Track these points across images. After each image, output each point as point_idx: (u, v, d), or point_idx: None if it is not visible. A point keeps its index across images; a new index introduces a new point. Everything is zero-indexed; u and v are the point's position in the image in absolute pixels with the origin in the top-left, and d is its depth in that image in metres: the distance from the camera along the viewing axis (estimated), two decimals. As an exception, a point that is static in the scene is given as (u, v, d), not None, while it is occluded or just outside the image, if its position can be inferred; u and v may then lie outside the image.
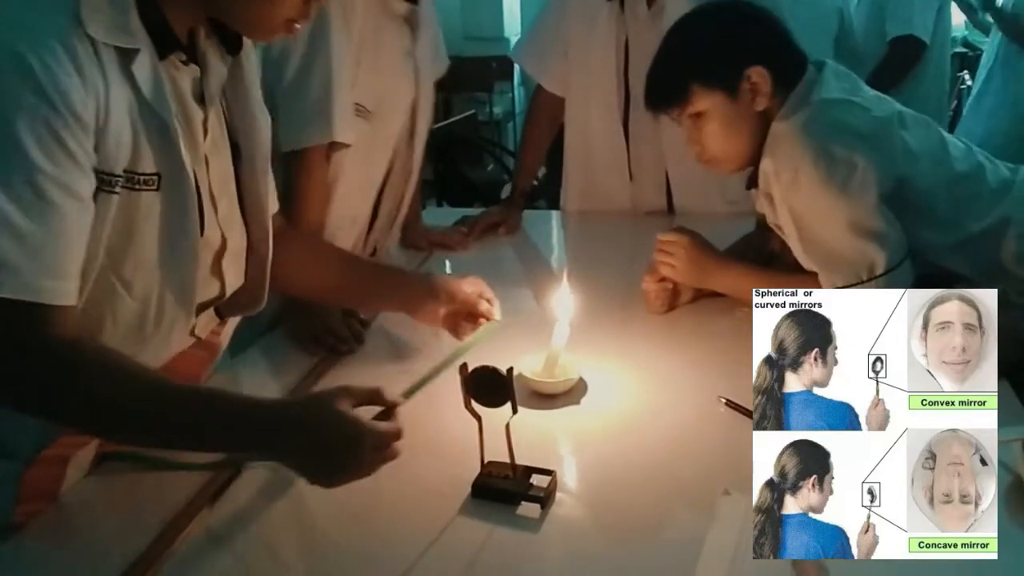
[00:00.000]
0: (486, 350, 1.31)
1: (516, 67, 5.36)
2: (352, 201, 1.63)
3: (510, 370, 0.99)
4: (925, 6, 3.18)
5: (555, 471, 1.04)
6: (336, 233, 1.62)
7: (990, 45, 3.36)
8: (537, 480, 1.03)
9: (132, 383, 0.91)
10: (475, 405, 1.02)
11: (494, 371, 1.00)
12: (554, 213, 2.36)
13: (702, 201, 2.09)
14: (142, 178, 0.95)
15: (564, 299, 1.29)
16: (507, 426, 1.01)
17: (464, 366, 1.01)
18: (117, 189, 0.93)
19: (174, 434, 0.93)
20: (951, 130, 3.57)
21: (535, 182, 2.37)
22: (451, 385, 1.02)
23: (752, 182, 1.43)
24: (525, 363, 1.27)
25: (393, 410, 0.98)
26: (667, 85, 1.40)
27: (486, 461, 1.04)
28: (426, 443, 1.15)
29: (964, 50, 5.13)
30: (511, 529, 0.98)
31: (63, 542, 1.00)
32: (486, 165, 5.04)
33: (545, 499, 1.00)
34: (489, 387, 1.01)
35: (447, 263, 1.75)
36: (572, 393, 1.26)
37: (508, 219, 2.09)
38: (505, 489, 1.02)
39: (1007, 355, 1.00)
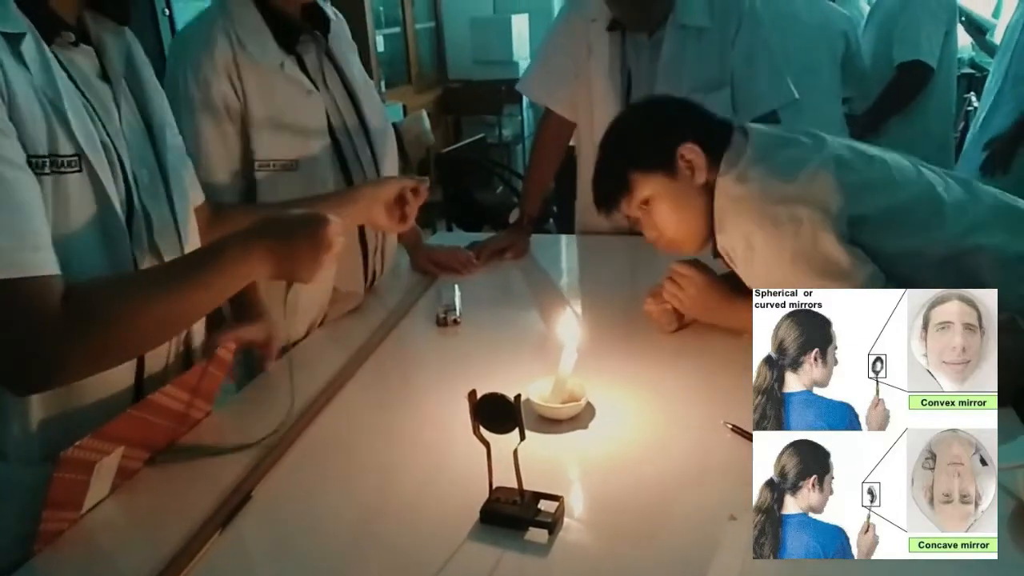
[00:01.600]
0: (495, 374, 1.33)
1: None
2: None
3: (518, 397, 0.99)
4: (932, 31, 3.20)
5: (563, 496, 1.03)
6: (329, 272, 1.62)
7: (996, 66, 3.38)
8: (545, 505, 1.02)
9: (136, 284, 1.00)
10: (484, 431, 1.02)
11: (502, 398, 0.99)
12: (563, 237, 2.37)
13: None
14: (64, 160, 0.97)
15: (570, 326, 1.29)
16: (515, 452, 1.01)
17: (473, 393, 1.02)
18: (46, 170, 0.95)
19: (189, 291, 1.01)
20: (958, 152, 3.59)
21: (551, 206, 2.38)
22: (460, 412, 1.02)
23: (715, 252, 1.46)
24: (533, 388, 1.27)
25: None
26: (610, 180, 1.46)
27: (494, 487, 1.04)
28: (435, 469, 1.16)
29: (971, 71, 5.15)
30: (519, 554, 0.98)
31: (78, 566, 1.00)
32: (495, 188, 5.07)
33: (553, 524, 1.00)
34: (497, 413, 1.00)
35: (456, 287, 1.76)
36: (580, 418, 1.26)
37: (515, 244, 2.10)
38: (513, 515, 1.01)
39: (1016, 380, 1.00)
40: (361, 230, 1.68)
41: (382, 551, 1.01)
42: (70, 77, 1.00)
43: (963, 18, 3.70)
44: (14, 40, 0.93)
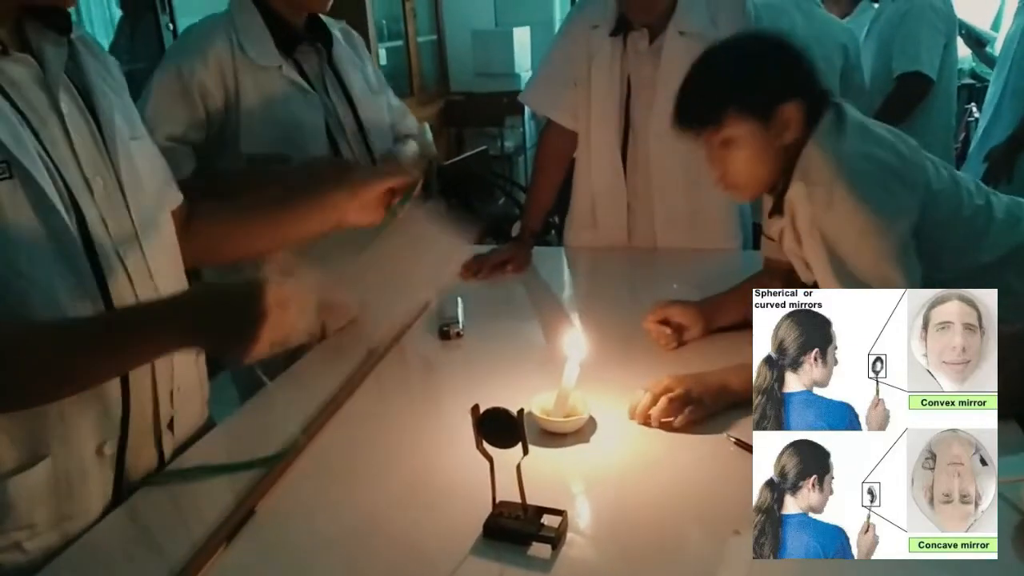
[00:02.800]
0: (497, 387, 1.33)
1: (527, 103, 5.41)
2: None
3: (520, 411, 0.99)
4: (932, 43, 3.20)
5: (566, 511, 1.03)
6: None
7: (996, 78, 3.39)
8: (548, 520, 1.02)
9: (47, 337, 0.96)
10: (487, 446, 1.02)
11: (505, 412, 0.99)
12: (564, 249, 2.37)
13: (685, 237, 2.11)
14: None
15: (576, 341, 1.29)
16: (518, 466, 1.01)
17: (476, 407, 1.01)
18: None
19: (98, 355, 0.98)
20: (960, 163, 3.60)
21: (553, 219, 2.38)
22: (463, 427, 1.02)
23: (776, 209, 1.45)
24: (536, 402, 1.27)
25: None
26: (703, 106, 1.40)
27: (498, 501, 1.04)
28: (438, 483, 1.15)
29: (971, 82, 5.16)
30: (522, 569, 0.97)
31: None
32: (497, 200, 5.08)
33: (556, 539, 1.00)
34: (500, 428, 1.00)
35: (459, 300, 1.76)
36: (583, 432, 1.25)
37: (517, 257, 2.10)
38: (516, 529, 1.01)
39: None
40: None
41: (385, 565, 1.01)
42: None
43: (963, 31, 3.71)
44: None
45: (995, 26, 5.11)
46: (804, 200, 1.33)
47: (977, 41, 3.73)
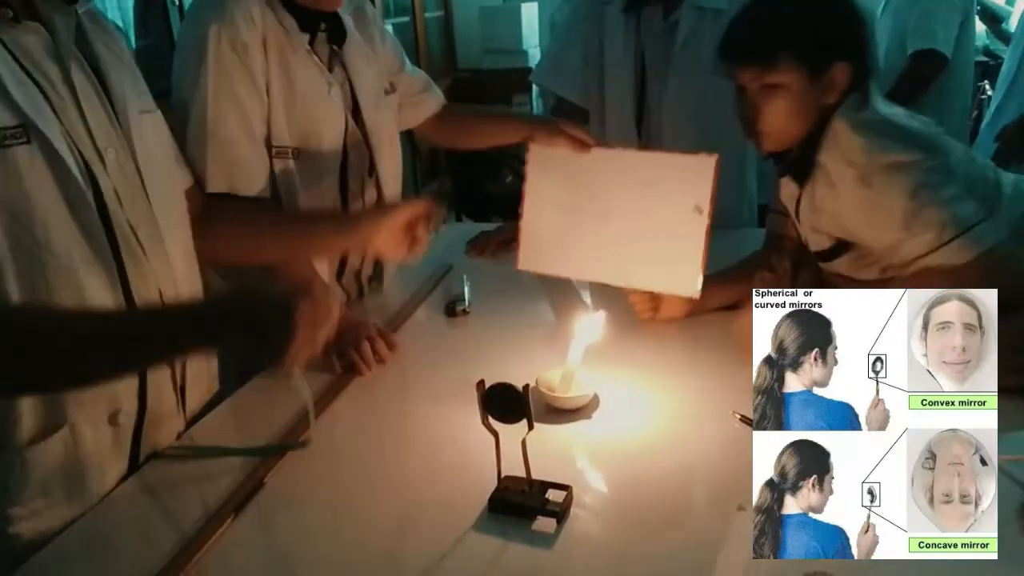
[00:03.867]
0: (504, 364, 1.34)
1: (536, 80, 5.37)
2: None
3: (526, 387, 1.00)
4: (948, 20, 3.14)
5: (571, 486, 1.04)
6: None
7: (1011, 55, 3.33)
8: (553, 495, 1.03)
9: (73, 324, 0.92)
10: (492, 421, 1.03)
11: (511, 388, 1.00)
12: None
13: None
14: (7, 132, 0.95)
15: (592, 324, 1.29)
16: (523, 442, 1.02)
17: (481, 383, 1.02)
18: None
19: (138, 346, 0.94)
20: (971, 140, 3.55)
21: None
22: (469, 401, 1.03)
23: (786, 171, 1.45)
24: (542, 378, 1.28)
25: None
26: (760, 42, 1.35)
27: (503, 476, 1.05)
28: (444, 458, 1.17)
29: (985, 59, 5.09)
30: (527, 544, 0.99)
31: (92, 551, 1.02)
32: (505, 178, 5.06)
33: (561, 514, 1.01)
34: (505, 404, 1.01)
35: (465, 278, 1.76)
36: (588, 408, 1.26)
37: None
38: (521, 504, 1.02)
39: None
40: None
41: (391, 538, 1.03)
42: (11, 54, 0.98)
43: (978, 7, 3.65)
44: None
45: (1011, 0, 5.03)
46: (840, 165, 1.33)
47: (992, 17, 3.67)
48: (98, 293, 1.05)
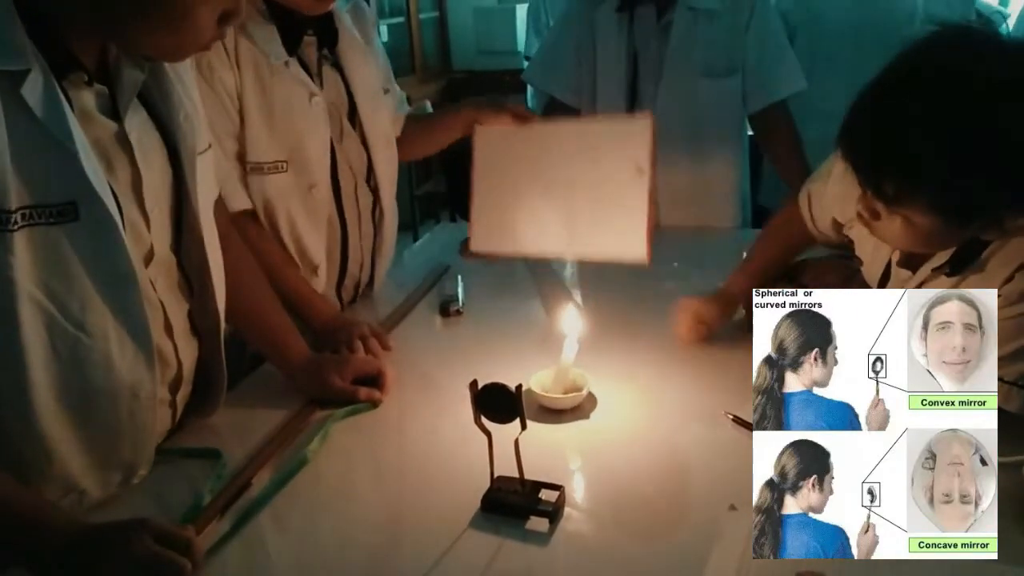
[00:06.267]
0: (497, 364, 1.33)
1: (530, 81, 5.37)
2: (302, 250, 1.55)
3: (519, 387, 1.00)
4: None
5: (564, 486, 1.04)
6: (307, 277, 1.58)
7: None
8: (546, 495, 1.03)
9: None
10: (485, 421, 1.03)
11: (504, 388, 1.00)
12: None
13: (688, 216, 2.10)
14: (54, 210, 0.91)
15: (573, 318, 1.29)
16: (516, 442, 1.02)
17: (474, 383, 1.02)
18: (13, 227, 0.88)
19: None
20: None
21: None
22: (462, 401, 1.03)
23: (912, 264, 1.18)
24: (535, 378, 1.28)
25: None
26: (893, 173, 0.96)
27: (496, 476, 1.05)
28: (437, 458, 1.16)
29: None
30: (520, 543, 0.99)
31: None
32: (499, 178, 5.06)
33: (554, 513, 1.01)
34: (499, 403, 1.01)
35: (459, 278, 1.76)
36: (581, 408, 1.26)
37: None
38: (514, 504, 1.03)
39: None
40: (344, 247, 1.63)
41: (384, 539, 1.03)
42: (74, 118, 0.93)
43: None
44: (16, 78, 0.87)
45: (1004, 2, 5.03)
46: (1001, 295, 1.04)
47: (987, 22, 3.66)
48: (130, 362, 1.02)
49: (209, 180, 1.16)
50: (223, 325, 1.20)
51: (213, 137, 1.31)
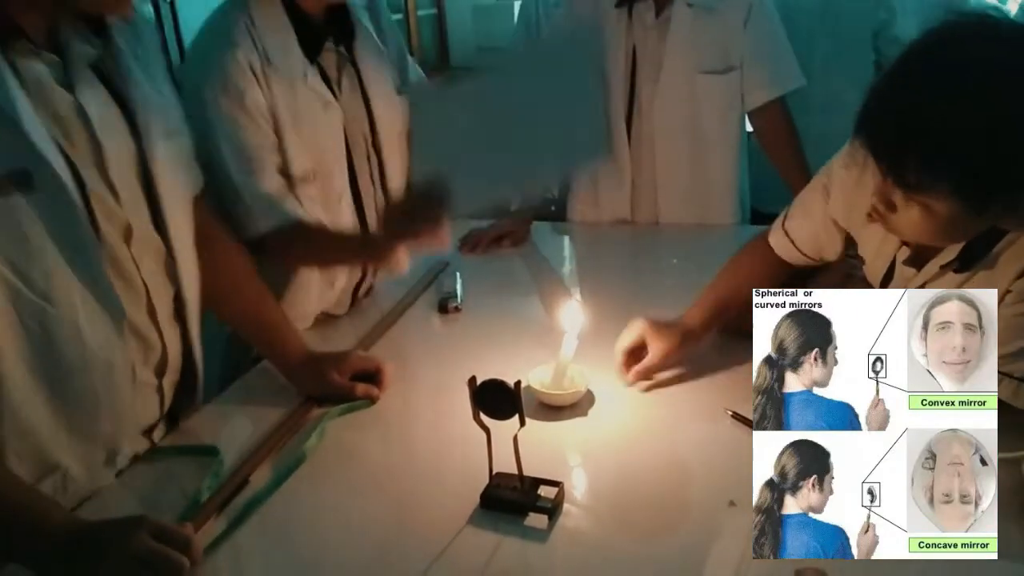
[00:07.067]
0: (496, 361, 1.32)
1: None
2: None
3: (518, 383, 1.00)
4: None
5: (563, 482, 1.05)
6: (324, 290, 1.59)
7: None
8: (545, 491, 1.03)
9: None
10: (483, 418, 1.03)
11: (502, 384, 1.00)
12: (565, 224, 2.36)
13: (687, 213, 2.10)
14: (5, 179, 0.90)
15: (574, 314, 1.29)
16: (515, 438, 1.02)
17: (473, 379, 1.02)
18: None
19: None
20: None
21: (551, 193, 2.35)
22: (461, 398, 1.03)
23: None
24: (533, 375, 1.27)
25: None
26: (916, 158, 0.94)
27: (495, 472, 1.05)
28: (436, 455, 1.16)
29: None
30: (519, 539, 0.99)
31: None
32: (498, 175, 5.05)
33: (553, 510, 1.01)
34: (498, 400, 1.01)
35: (457, 275, 1.76)
36: (580, 405, 1.26)
37: (515, 231, 2.09)
38: (513, 500, 1.03)
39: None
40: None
41: (383, 535, 1.03)
42: (23, 87, 0.93)
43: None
44: None
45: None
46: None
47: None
48: (100, 335, 1.02)
49: (182, 168, 1.16)
50: (195, 314, 1.20)
51: (257, 156, 1.33)
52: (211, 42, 1.39)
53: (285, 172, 1.42)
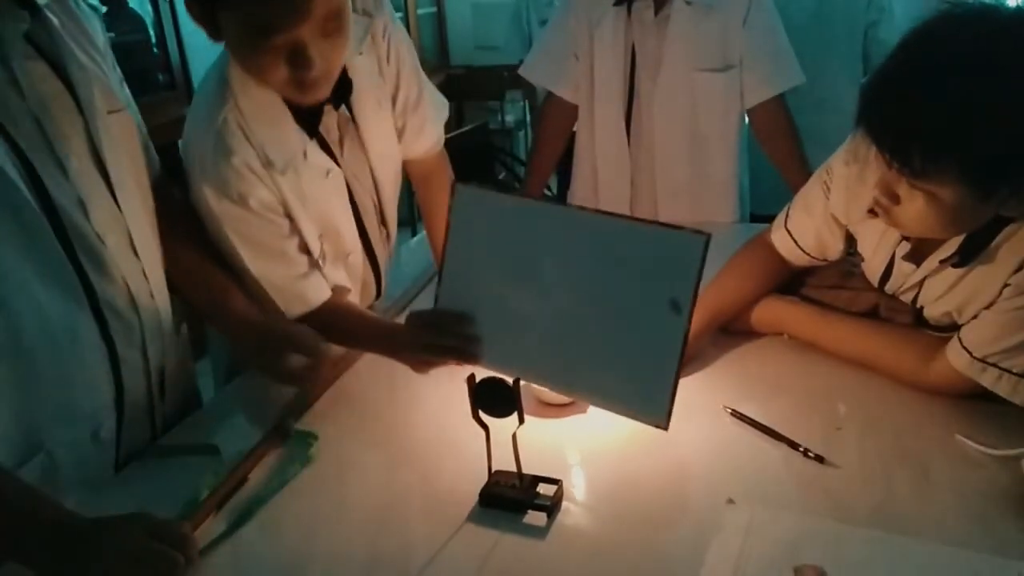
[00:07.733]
0: None
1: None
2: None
3: (516, 381, 1.00)
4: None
5: (561, 480, 1.04)
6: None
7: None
8: (544, 489, 1.03)
9: None
10: (482, 415, 1.03)
11: (501, 382, 1.00)
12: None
13: (687, 210, 2.09)
14: None
15: None
16: (514, 436, 1.02)
17: (472, 377, 1.02)
18: None
19: None
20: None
21: (547, 192, 2.35)
22: (460, 396, 1.03)
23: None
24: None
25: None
26: (934, 151, 0.94)
27: (493, 470, 1.05)
28: (435, 452, 1.16)
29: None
30: (518, 537, 0.99)
31: None
32: (498, 174, 5.06)
33: (551, 508, 1.01)
34: (496, 397, 1.01)
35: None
36: (579, 403, 1.26)
37: None
38: (512, 498, 1.03)
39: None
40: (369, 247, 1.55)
41: (381, 533, 1.02)
42: None
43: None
44: None
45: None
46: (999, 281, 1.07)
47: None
48: (60, 308, 1.02)
49: (127, 145, 1.14)
50: (164, 293, 1.19)
51: (271, 245, 1.30)
52: (205, 143, 1.26)
53: (302, 245, 1.36)
